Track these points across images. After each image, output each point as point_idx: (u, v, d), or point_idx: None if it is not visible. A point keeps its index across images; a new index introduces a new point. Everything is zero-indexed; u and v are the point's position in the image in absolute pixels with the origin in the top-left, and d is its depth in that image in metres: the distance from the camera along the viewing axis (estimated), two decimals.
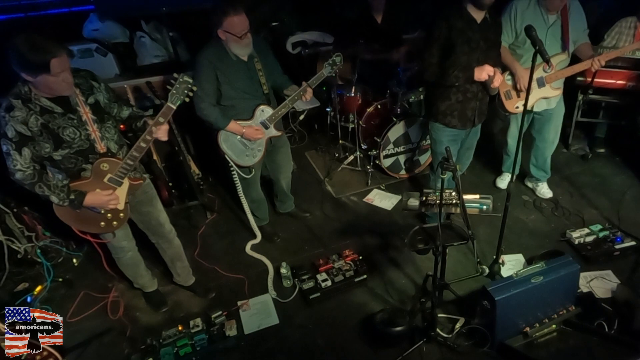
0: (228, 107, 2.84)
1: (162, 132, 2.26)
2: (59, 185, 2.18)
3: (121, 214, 2.42)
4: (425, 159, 4.16)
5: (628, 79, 3.82)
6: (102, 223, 2.40)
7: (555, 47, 3.05)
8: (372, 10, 4.19)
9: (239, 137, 2.91)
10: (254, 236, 3.51)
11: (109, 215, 2.39)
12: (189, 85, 2.20)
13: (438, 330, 2.63)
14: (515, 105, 3.25)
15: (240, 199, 3.23)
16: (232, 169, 3.03)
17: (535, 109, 3.31)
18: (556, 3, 2.93)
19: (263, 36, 4.68)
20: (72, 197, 2.20)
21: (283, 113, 2.93)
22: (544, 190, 3.80)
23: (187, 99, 2.25)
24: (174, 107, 2.22)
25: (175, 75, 2.19)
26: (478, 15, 2.72)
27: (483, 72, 2.74)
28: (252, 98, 2.86)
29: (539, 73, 3.12)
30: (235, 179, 3.09)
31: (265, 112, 2.90)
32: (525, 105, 2.43)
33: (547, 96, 3.22)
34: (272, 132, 2.98)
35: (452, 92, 2.90)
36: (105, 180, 2.28)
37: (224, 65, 2.72)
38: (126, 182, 2.35)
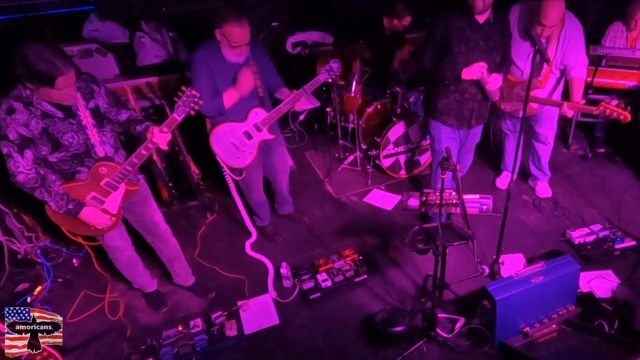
0: None
1: (163, 141, 2.24)
2: (59, 193, 2.17)
3: (113, 218, 2.41)
4: (425, 159, 4.16)
5: (628, 79, 3.82)
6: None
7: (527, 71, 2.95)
8: (387, 14, 4.12)
9: (230, 139, 2.89)
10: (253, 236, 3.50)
11: None
12: (196, 99, 2.21)
13: (438, 330, 2.63)
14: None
15: (234, 198, 3.21)
16: (223, 170, 3.03)
17: (515, 115, 3.38)
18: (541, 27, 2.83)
19: (261, 38, 4.68)
20: (70, 206, 2.20)
21: (276, 117, 2.91)
22: (544, 190, 3.80)
23: (192, 112, 2.25)
24: (179, 119, 2.23)
25: (183, 88, 2.21)
26: (480, 16, 2.71)
27: (472, 71, 2.72)
28: (247, 100, 2.84)
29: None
30: (227, 180, 3.09)
31: (258, 114, 2.89)
32: (524, 108, 2.45)
33: (519, 109, 3.20)
34: (265, 135, 2.95)
35: (450, 90, 2.92)
36: (102, 184, 2.27)
37: (219, 67, 2.70)
38: (122, 187, 2.34)
